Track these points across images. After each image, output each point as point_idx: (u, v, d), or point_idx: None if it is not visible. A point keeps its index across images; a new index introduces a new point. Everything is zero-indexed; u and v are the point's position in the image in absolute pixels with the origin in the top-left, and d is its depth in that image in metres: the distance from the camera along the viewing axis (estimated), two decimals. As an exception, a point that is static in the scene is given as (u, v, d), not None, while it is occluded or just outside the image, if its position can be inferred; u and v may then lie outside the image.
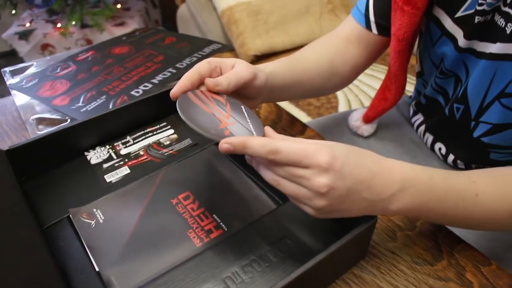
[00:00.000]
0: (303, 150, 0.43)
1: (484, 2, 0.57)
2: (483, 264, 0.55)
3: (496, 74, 0.60)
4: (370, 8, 0.74)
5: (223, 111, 0.53)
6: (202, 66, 0.58)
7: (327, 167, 0.43)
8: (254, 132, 0.51)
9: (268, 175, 0.47)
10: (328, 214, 0.47)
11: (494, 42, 0.58)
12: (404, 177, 0.48)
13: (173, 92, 0.55)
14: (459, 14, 0.62)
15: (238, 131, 0.50)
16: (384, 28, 0.74)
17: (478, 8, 0.58)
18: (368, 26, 0.76)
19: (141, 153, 0.68)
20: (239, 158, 0.65)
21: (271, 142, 0.44)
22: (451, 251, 0.56)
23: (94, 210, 0.57)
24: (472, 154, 0.73)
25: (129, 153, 0.68)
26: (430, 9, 0.67)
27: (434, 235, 0.58)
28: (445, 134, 0.78)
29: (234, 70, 0.58)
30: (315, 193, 0.44)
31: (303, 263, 0.44)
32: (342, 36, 0.79)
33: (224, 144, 0.45)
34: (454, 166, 0.79)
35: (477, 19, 0.59)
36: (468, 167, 0.76)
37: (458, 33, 0.64)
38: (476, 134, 0.68)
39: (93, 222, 0.56)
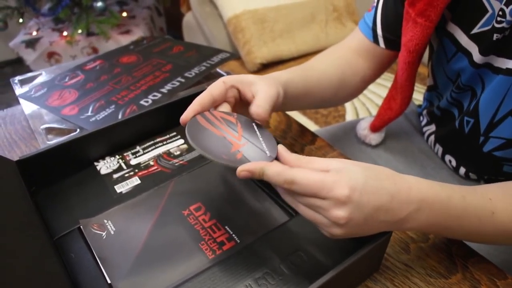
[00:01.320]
0: (320, 182, 0.43)
1: (503, 20, 0.56)
2: (499, 277, 0.54)
3: (510, 90, 0.59)
4: (377, 22, 0.74)
5: (234, 132, 0.52)
6: (216, 88, 0.55)
7: (345, 200, 0.43)
8: (267, 152, 0.50)
9: (286, 198, 0.47)
10: (345, 237, 0.47)
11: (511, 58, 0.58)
12: (421, 197, 0.47)
13: (183, 118, 0.53)
14: (475, 30, 0.62)
15: (251, 153, 0.49)
16: (391, 42, 0.74)
17: (497, 25, 0.57)
18: (375, 40, 0.76)
19: (151, 163, 0.68)
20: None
21: (287, 172, 0.44)
22: (465, 264, 0.56)
23: (105, 221, 0.57)
24: (483, 167, 0.73)
25: (139, 164, 0.68)
26: (443, 24, 0.67)
27: (447, 248, 0.58)
28: (454, 147, 0.78)
29: (267, 94, 0.55)
30: (333, 223, 0.44)
31: (317, 276, 0.43)
32: (351, 47, 0.80)
33: (242, 172, 0.45)
34: (466, 178, 0.78)
35: (495, 36, 0.58)
36: (480, 178, 0.76)
37: (473, 49, 0.63)
38: (486, 148, 0.67)
39: (104, 234, 0.55)
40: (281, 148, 0.49)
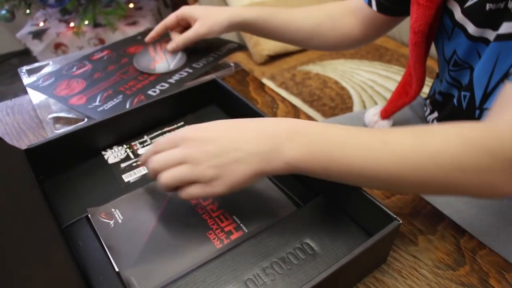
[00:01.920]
0: (172, 134, 0.52)
1: None
2: (508, 270, 0.54)
3: (500, 56, 0.59)
4: None
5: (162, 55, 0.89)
6: (169, 21, 0.90)
7: (187, 130, 0.51)
8: (171, 66, 0.86)
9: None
10: (224, 188, 0.49)
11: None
12: (291, 127, 0.48)
13: (147, 40, 0.94)
14: (468, 3, 0.62)
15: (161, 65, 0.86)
16: (384, 7, 0.79)
17: None
18: (369, 2, 0.81)
19: (159, 153, 0.68)
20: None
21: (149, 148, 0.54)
22: (473, 256, 0.55)
23: (113, 210, 0.57)
24: None
25: (146, 153, 0.68)
26: (445, 2, 0.68)
27: (456, 240, 0.57)
28: None
29: (195, 29, 0.85)
30: (185, 165, 0.49)
31: (325, 266, 0.44)
32: (346, 6, 0.88)
33: None
34: None
35: (488, 6, 0.58)
36: None
37: (466, 23, 0.63)
38: None
39: (112, 222, 0.55)
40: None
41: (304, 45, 0.91)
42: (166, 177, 0.50)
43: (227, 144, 0.48)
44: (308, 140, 0.47)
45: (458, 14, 0.65)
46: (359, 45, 0.91)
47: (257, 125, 0.49)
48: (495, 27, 0.59)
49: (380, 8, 0.80)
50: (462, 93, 0.69)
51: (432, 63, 1.66)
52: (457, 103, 0.71)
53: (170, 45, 0.90)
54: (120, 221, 0.56)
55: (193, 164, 0.48)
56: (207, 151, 0.48)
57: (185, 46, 0.89)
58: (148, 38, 0.93)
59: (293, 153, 0.47)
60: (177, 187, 0.51)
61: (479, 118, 0.67)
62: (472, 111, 0.68)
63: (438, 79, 0.81)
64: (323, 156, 0.47)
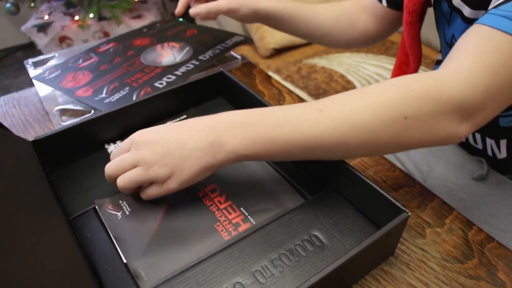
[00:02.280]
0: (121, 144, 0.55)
1: None
2: (517, 263, 0.54)
3: None
4: None
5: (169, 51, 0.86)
6: None
7: (133, 138, 0.53)
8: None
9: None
10: (177, 184, 0.51)
11: None
12: (228, 118, 0.50)
13: (178, 12, 0.83)
14: None
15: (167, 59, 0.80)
16: (393, 2, 0.80)
17: None
18: None
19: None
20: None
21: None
22: (481, 250, 0.55)
23: (120, 201, 0.57)
24: (485, 127, 0.73)
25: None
26: None
27: (463, 233, 0.57)
28: None
29: (217, 2, 0.79)
30: (137, 167, 0.52)
31: (333, 258, 0.43)
32: (360, 2, 0.88)
33: None
34: (466, 142, 0.80)
35: None
36: (484, 143, 0.76)
37: (463, 6, 0.63)
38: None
39: (119, 214, 0.55)
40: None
41: (321, 41, 0.90)
42: (122, 181, 0.52)
43: (174, 143, 0.50)
44: (245, 126, 0.48)
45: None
46: (374, 42, 0.91)
47: (199, 122, 0.51)
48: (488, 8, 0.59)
49: (390, 3, 0.81)
50: None
51: (426, 51, 1.66)
52: None
53: (193, 10, 0.83)
54: (127, 212, 0.56)
55: (145, 166, 0.51)
56: (156, 152, 0.50)
57: (207, 15, 0.82)
58: (178, 10, 0.83)
59: (234, 142, 0.48)
60: (135, 189, 0.54)
61: None
62: None
63: (439, 65, 0.81)
64: (261, 138, 0.48)
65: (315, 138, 0.47)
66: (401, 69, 0.84)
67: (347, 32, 0.87)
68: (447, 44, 0.73)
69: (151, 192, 0.53)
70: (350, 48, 0.96)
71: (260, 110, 0.50)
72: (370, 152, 0.51)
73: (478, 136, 0.76)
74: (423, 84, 0.47)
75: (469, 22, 0.63)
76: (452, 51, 0.52)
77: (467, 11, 0.63)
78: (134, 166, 0.52)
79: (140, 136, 0.52)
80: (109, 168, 0.54)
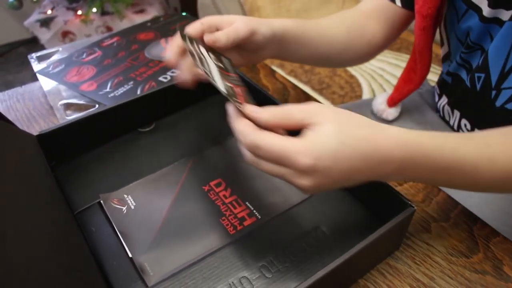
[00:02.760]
0: (282, 150, 0.40)
1: None
2: (522, 257, 0.53)
3: None
4: None
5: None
6: (192, 28, 0.57)
7: (307, 170, 0.40)
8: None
9: (247, 156, 0.44)
10: (316, 192, 0.44)
11: None
12: (405, 154, 0.44)
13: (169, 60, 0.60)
14: None
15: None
16: (407, 0, 0.74)
17: None
18: None
19: (170, 139, 0.68)
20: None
21: (252, 135, 0.42)
22: (487, 244, 0.55)
23: (125, 196, 0.57)
24: (497, 125, 0.72)
25: (158, 140, 0.68)
26: None
27: (469, 227, 0.57)
28: (468, 108, 0.76)
29: (233, 26, 0.58)
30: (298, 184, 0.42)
31: (338, 253, 0.43)
32: (361, 10, 0.80)
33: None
34: None
35: None
36: None
37: (482, 3, 0.62)
38: (498, 103, 0.66)
39: (124, 208, 0.55)
40: (251, 108, 0.45)
41: (337, 59, 0.79)
42: (262, 165, 0.44)
43: (339, 177, 0.42)
44: (414, 166, 0.45)
45: None
46: (379, 51, 0.85)
47: (371, 152, 0.43)
48: (509, 7, 0.58)
49: (405, 2, 0.75)
50: (476, 74, 0.68)
51: (436, 49, 1.66)
52: (470, 84, 0.70)
53: (209, 37, 0.57)
54: (132, 207, 0.56)
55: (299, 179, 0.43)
56: (313, 183, 0.42)
57: (226, 44, 0.57)
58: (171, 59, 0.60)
59: (398, 178, 0.47)
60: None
61: (495, 98, 0.66)
62: (487, 92, 0.67)
63: (446, 63, 0.80)
64: (426, 179, 0.48)
65: (473, 183, 0.49)
66: (408, 76, 0.81)
67: (360, 43, 0.79)
68: (460, 42, 0.72)
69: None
70: (363, 62, 0.86)
71: (436, 150, 0.45)
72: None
73: None
74: None
75: (486, 21, 0.63)
76: None
77: (486, 9, 0.62)
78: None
79: (304, 161, 0.40)
80: (258, 165, 0.44)
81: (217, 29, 0.59)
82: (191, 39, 0.54)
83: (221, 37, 0.56)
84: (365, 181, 0.44)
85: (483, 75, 0.66)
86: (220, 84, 0.48)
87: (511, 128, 0.51)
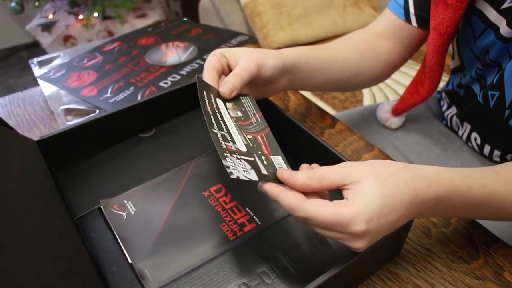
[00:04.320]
0: (335, 219, 0.41)
1: None
2: (523, 263, 0.53)
3: None
4: (409, 0, 0.72)
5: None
6: (214, 63, 0.57)
7: (363, 234, 0.41)
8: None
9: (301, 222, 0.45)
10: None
11: None
12: (440, 193, 0.46)
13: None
14: (505, 5, 0.60)
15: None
16: (423, 20, 0.72)
17: None
18: (407, 18, 0.74)
19: (170, 145, 0.68)
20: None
21: (300, 208, 0.42)
22: (487, 250, 0.55)
23: (125, 201, 0.57)
24: (509, 144, 0.71)
25: (158, 145, 0.68)
26: (472, 3, 0.65)
27: (469, 233, 0.57)
28: (479, 123, 0.76)
29: (244, 66, 0.57)
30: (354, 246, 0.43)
31: (339, 259, 0.43)
32: (374, 31, 0.78)
33: (261, 188, 0.45)
34: (489, 158, 0.77)
35: None
36: (504, 159, 0.74)
37: (501, 22, 0.62)
38: None
39: (124, 214, 0.55)
40: (286, 174, 0.45)
41: (351, 82, 0.78)
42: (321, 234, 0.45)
43: (388, 228, 0.44)
44: (448, 204, 0.47)
45: (493, 15, 0.63)
46: (394, 70, 0.83)
47: (412, 198, 0.44)
48: None
49: (421, 22, 0.74)
50: (490, 92, 0.68)
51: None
52: (483, 101, 0.70)
53: (225, 88, 0.56)
54: (132, 212, 0.56)
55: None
56: (367, 243, 0.43)
57: (241, 87, 0.57)
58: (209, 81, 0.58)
59: (431, 215, 0.50)
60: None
61: (508, 117, 0.66)
62: (501, 110, 0.67)
63: (461, 73, 0.79)
64: (457, 214, 0.53)
65: (498, 216, 0.53)
66: (416, 88, 0.80)
67: (373, 65, 0.77)
68: (477, 58, 0.71)
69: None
70: (377, 83, 0.84)
71: (467, 189, 0.48)
72: None
73: (497, 153, 0.75)
74: None
75: (505, 40, 0.62)
76: None
77: (503, 28, 0.61)
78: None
79: (354, 229, 0.41)
80: (312, 227, 0.44)
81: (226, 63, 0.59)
82: (207, 92, 0.53)
83: (236, 84, 0.56)
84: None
85: (497, 93, 0.66)
86: (239, 143, 0.48)
87: None
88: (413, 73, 0.83)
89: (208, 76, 0.56)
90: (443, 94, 0.87)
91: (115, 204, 0.57)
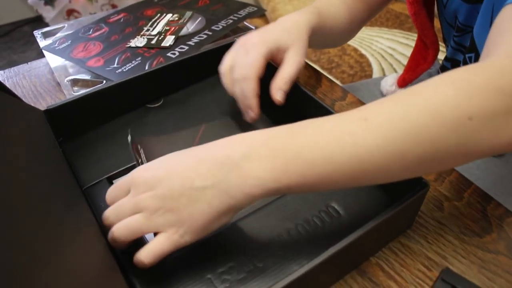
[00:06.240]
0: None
1: None
2: (537, 237, 0.53)
3: (494, 7, 0.56)
4: None
5: None
6: (260, 67, 0.58)
7: (128, 182, 0.43)
8: None
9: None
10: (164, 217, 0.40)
11: None
12: (245, 143, 0.39)
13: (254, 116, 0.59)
14: None
15: None
16: None
17: None
18: None
19: (179, 116, 0.67)
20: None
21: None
22: (500, 224, 0.54)
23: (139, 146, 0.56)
24: None
25: (166, 116, 0.67)
26: None
27: (482, 207, 0.56)
28: None
29: (295, 61, 0.59)
30: (139, 214, 0.42)
31: (350, 231, 0.42)
32: None
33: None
34: None
35: None
36: None
37: None
38: None
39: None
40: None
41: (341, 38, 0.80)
42: (117, 231, 0.42)
43: (178, 182, 0.40)
44: (271, 152, 0.38)
45: None
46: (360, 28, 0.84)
47: (208, 152, 0.41)
48: None
49: None
50: (467, 55, 0.67)
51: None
52: (464, 64, 0.70)
53: (277, 94, 0.57)
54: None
55: (147, 212, 0.41)
56: (157, 195, 0.40)
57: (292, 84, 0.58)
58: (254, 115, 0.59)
59: (258, 173, 0.38)
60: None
61: None
62: None
63: (444, 44, 0.80)
64: (294, 165, 0.38)
65: (362, 156, 0.37)
66: (420, 54, 0.80)
67: (352, 26, 0.79)
68: (450, 25, 0.71)
69: (158, 246, 0.41)
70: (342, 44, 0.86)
71: (286, 128, 0.40)
72: (429, 168, 0.40)
73: None
74: (481, 76, 0.38)
75: (471, 2, 0.62)
76: (492, 39, 0.46)
77: None
78: (135, 213, 0.42)
79: (140, 175, 0.42)
80: (108, 218, 0.44)
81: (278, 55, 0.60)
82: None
83: (287, 84, 0.57)
84: (215, 199, 0.39)
85: (473, 55, 0.65)
86: None
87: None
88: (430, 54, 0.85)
89: (254, 104, 0.58)
90: (439, 71, 0.86)
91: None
